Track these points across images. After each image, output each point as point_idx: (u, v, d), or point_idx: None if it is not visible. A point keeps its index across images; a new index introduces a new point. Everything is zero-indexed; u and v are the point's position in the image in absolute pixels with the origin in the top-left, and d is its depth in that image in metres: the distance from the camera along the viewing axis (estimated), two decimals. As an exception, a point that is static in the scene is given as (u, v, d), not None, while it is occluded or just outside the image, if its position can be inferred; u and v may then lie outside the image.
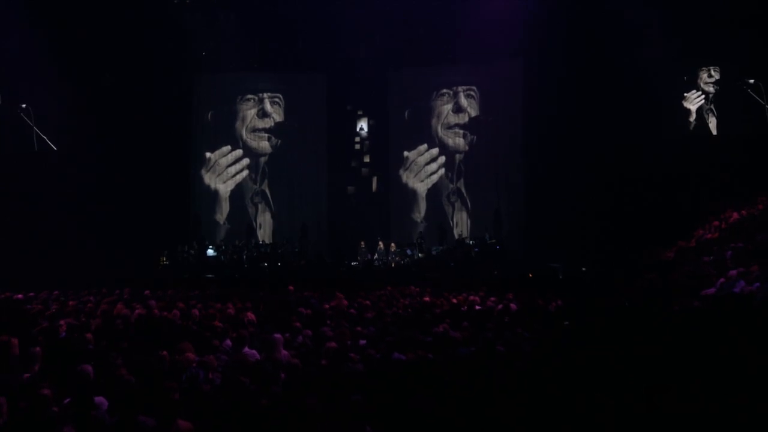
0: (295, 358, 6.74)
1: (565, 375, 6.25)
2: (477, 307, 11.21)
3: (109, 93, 18.61)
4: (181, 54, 19.56)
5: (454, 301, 11.59)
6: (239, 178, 21.23)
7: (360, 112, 21.66)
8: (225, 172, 21.17)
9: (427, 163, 20.75)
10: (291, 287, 12.25)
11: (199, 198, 20.97)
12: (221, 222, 20.88)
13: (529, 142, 19.07)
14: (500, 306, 11.34)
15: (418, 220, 20.51)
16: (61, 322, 9.38)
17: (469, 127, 20.52)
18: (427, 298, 11.95)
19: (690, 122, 18.18)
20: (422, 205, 20.70)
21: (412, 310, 10.91)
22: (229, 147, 21.19)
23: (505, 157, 19.38)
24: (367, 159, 21.63)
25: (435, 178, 20.71)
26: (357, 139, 21.63)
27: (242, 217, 20.79)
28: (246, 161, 21.27)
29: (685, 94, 18.22)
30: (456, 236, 19.46)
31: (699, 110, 18.03)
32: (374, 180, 21.60)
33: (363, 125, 21.60)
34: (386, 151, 21.09)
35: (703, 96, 17.99)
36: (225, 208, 21.11)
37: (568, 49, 17.64)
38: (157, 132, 19.12)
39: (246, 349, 7.11)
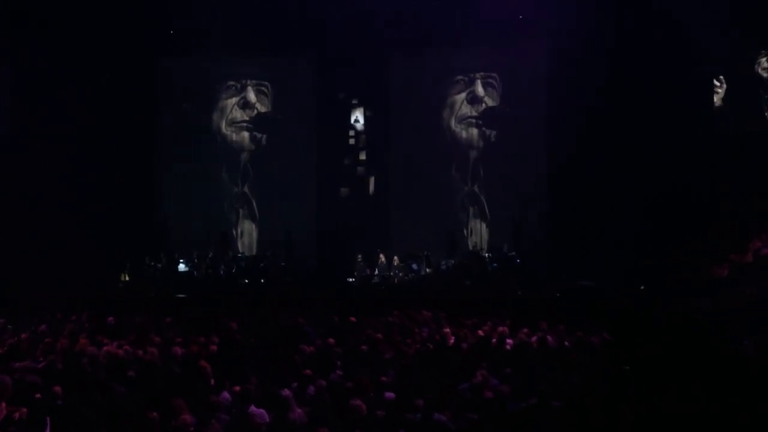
0: (314, 420, 6.41)
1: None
2: (508, 341, 10.99)
3: (54, 78, 18.12)
4: (145, 33, 19.11)
5: (480, 333, 11.34)
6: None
7: (355, 102, 21.17)
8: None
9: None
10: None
11: (168, 202, 20.54)
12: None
13: (555, 140, 18.78)
14: (534, 338, 11.14)
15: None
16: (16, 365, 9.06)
17: (488, 120, 20.20)
18: (447, 329, 11.70)
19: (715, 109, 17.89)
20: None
21: (433, 345, 10.66)
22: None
23: (529, 157, 19.10)
24: (363, 156, 21.22)
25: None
26: (351, 132, 21.18)
27: (218, 224, 20.38)
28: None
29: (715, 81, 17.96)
30: (470, 247, 19.16)
31: (724, 99, 17.80)
32: (371, 181, 21.25)
33: (358, 116, 21.21)
34: (386, 147, 20.67)
35: (723, 84, 17.72)
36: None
37: (603, 29, 17.36)
38: (116, 124, 18.71)
39: (252, 407, 6.75)
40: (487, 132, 20.17)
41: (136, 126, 19.51)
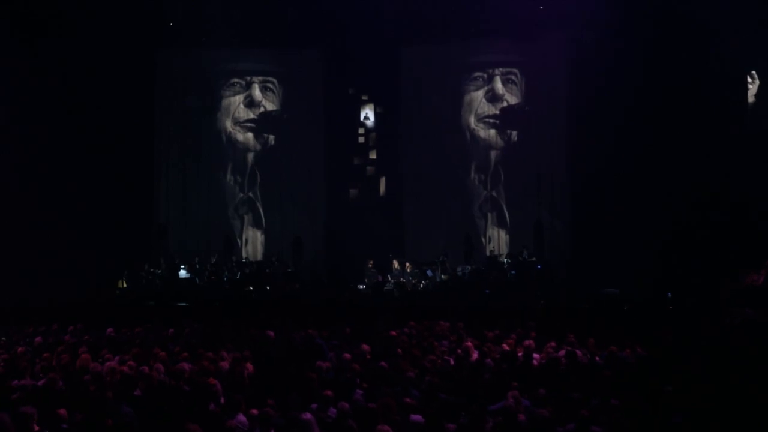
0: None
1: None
2: (535, 356, 10.79)
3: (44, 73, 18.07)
4: (143, 25, 19.00)
5: (506, 347, 11.13)
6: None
7: (365, 98, 21.16)
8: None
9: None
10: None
11: (169, 204, 20.47)
12: None
13: (579, 140, 18.63)
14: (562, 352, 10.95)
15: None
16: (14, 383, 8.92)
17: (508, 120, 20.00)
18: (468, 343, 11.51)
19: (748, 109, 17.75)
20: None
21: (454, 360, 10.48)
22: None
23: (551, 157, 18.96)
24: (373, 155, 21.16)
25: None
26: (361, 130, 21.13)
27: (221, 228, 20.27)
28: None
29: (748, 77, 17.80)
30: (488, 253, 19.00)
31: (757, 96, 17.65)
32: (382, 181, 21.16)
33: (369, 113, 21.12)
34: (398, 146, 20.59)
35: (756, 80, 17.56)
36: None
37: (628, 22, 17.21)
38: (113, 122, 18.66)
39: (272, 433, 6.60)
40: (508, 132, 19.99)
41: (136, 126, 19.53)
